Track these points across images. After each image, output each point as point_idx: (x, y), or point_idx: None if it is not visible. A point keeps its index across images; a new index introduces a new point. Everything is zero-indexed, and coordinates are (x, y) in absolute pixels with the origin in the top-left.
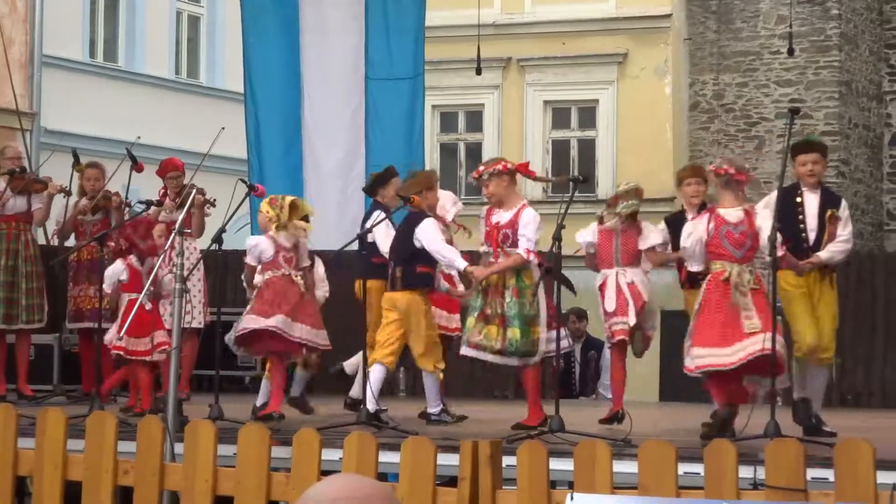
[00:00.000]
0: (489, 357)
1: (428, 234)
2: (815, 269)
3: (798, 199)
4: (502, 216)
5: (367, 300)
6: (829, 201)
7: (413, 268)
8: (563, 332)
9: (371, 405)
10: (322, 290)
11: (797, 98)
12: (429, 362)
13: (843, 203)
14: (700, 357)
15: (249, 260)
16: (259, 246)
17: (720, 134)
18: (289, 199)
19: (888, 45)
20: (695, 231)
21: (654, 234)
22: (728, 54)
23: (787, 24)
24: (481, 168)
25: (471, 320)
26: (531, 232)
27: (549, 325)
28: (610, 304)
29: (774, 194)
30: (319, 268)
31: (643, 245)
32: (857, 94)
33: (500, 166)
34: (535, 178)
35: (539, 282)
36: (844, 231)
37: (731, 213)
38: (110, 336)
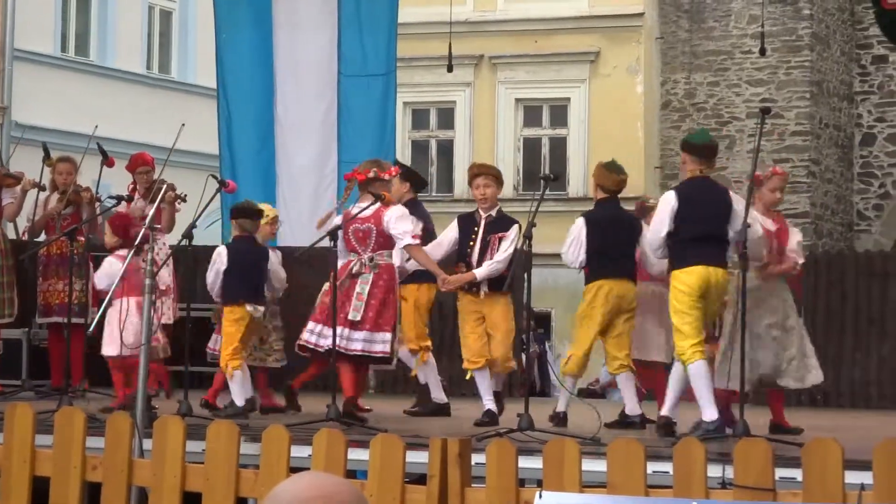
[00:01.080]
0: None
1: None
2: None
3: None
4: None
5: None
6: None
7: None
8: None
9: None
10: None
11: (768, 98)
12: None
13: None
14: None
15: None
16: None
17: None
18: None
19: (859, 46)
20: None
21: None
22: (700, 53)
23: (759, 23)
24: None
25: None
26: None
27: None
28: None
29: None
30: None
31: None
32: (828, 95)
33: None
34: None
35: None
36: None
37: None
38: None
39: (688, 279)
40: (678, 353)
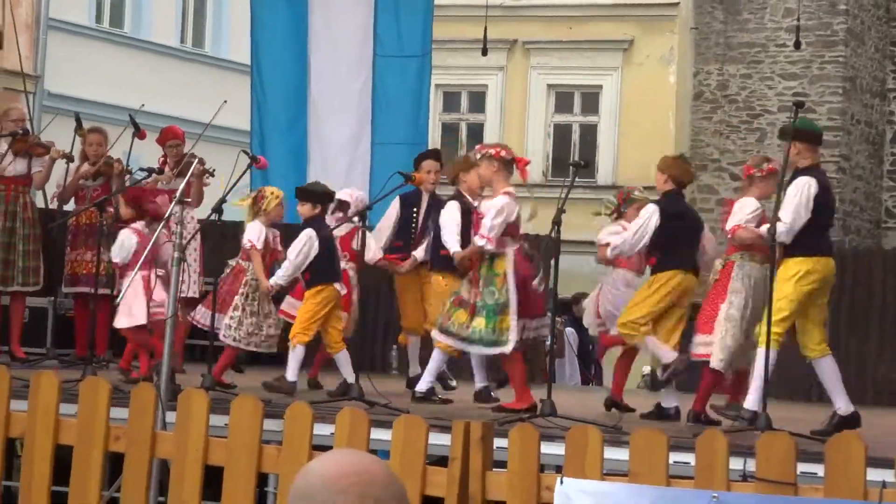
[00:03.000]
0: (453, 343)
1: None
2: None
3: None
4: (483, 204)
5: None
6: None
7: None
8: (537, 321)
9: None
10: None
11: (801, 92)
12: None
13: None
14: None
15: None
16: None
17: (722, 125)
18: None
19: (893, 43)
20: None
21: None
22: (734, 45)
23: (794, 17)
24: (478, 147)
25: (448, 303)
26: (490, 219)
27: (522, 312)
28: None
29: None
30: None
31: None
32: (860, 91)
33: (493, 150)
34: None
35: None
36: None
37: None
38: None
39: (814, 267)
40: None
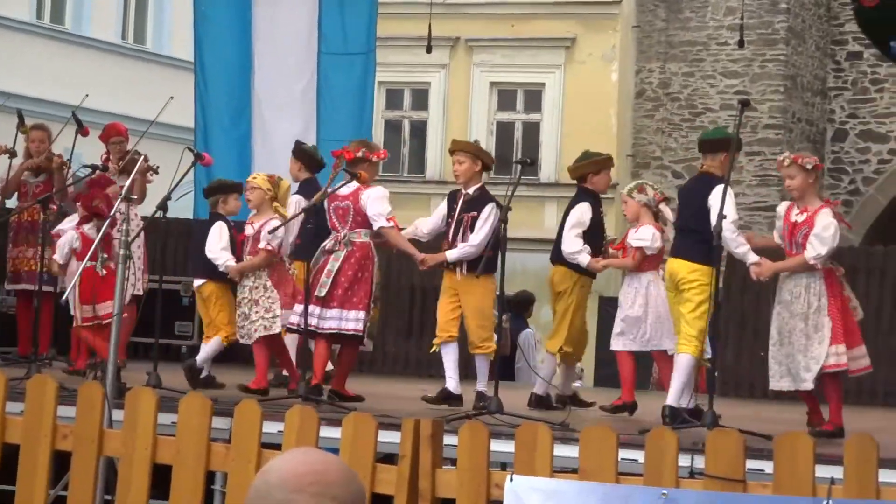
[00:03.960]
0: None
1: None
2: None
3: None
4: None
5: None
6: None
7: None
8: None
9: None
10: None
11: (742, 90)
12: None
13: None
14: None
15: (275, 246)
16: (282, 231)
17: (665, 122)
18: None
19: (834, 42)
20: None
21: None
22: (675, 43)
23: (735, 15)
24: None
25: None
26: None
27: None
28: None
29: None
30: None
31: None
32: (801, 89)
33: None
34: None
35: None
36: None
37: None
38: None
39: None
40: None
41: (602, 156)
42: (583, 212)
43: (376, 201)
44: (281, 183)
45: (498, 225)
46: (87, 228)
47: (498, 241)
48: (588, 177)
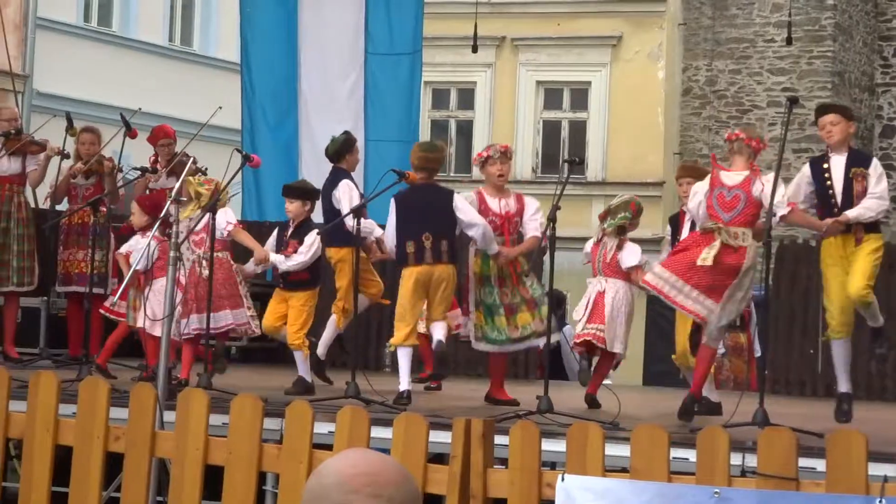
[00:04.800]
0: (510, 347)
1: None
2: (843, 229)
3: (825, 165)
4: (508, 203)
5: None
6: (857, 161)
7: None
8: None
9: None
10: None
11: (790, 87)
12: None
13: (874, 161)
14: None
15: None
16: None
17: (711, 120)
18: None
19: (882, 38)
20: (698, 192)
21: (631, 255)
22: (722, 41)
23: (782, 12)
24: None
25: (479, 314)
26: (540, 216)
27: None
28: (578, 312)
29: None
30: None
31: (623, 265)
32: (849, 86)
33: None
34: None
35: (531, 264)
36: (877, 188)
37: (731, 175)
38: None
39: None
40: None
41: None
42: None
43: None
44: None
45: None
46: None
47: None
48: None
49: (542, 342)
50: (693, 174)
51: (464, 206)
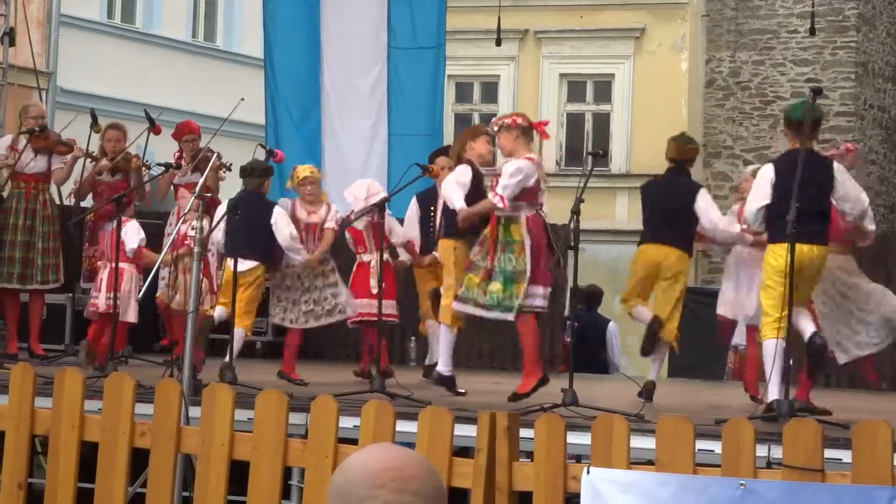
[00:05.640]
0: (471, 309)
1: None
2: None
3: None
4: (503, 166)
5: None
6: None
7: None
8: (544, 290)
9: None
10: None
11: (813, 78)
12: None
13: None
14: None
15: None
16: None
17: (735, 111)
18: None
19: None
20: None
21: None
22: (745, 32)
23: (805, 2)
24: (494, 120)
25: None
26: (506, 178)
27: (538, 281)
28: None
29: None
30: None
31: None
32: (873, 76)
33: (509, 120)
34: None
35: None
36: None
37: None
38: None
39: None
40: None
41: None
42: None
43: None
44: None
45: None
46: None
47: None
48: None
49: (490, 315)
50: None
51: None
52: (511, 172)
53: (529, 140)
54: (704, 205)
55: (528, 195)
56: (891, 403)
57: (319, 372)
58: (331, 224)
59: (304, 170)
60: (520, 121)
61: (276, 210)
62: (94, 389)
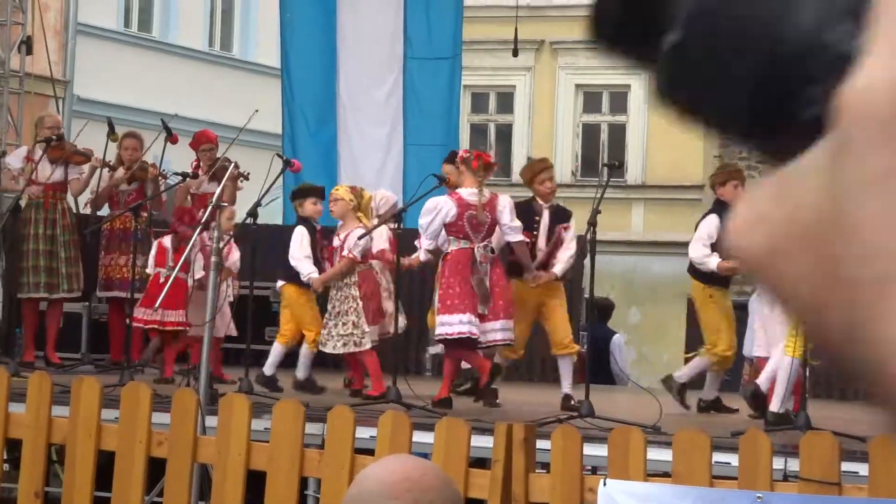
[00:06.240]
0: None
1: None
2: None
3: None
4: None
5: None
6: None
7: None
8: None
9: None
10: None
11: None
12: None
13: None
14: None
15: (357, 254)
16: (367, 240)
17: None
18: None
19: None
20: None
21: None
22: None
23: None
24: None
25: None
26: (420, 217)
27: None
28: None
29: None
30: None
31: None
32: None
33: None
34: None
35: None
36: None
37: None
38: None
39: None
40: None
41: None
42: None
43: (513, 212)
44: (363, 193)
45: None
46: (166, 240)
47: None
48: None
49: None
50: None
51: None
52: (422, 212)
53: (477, 176)
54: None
55: (453, 230)
56: None
57: (335, 381)
58: (346, 253)
59: (335, 189)
60: (465, 155)
61: (297, 228)
62: (110, 398)
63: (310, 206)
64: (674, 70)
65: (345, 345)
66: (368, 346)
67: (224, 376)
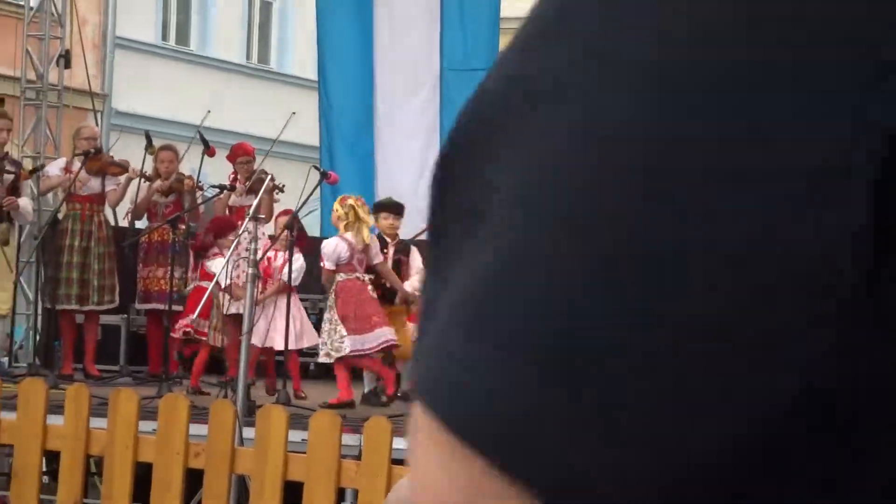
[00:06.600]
0: None
1: None
2: None
3: None
4: None
5: None
6: None
7: None
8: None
9: None
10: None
11: None
12: None
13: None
14: None
15: (328, 265)
16: (337, 249)
17: None
18: (352, 199)
19: None
20: None
21: None
22: None
23: None
24: None
25: None
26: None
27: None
28: None
29: None
30: (416, 259)
31: None
32: None
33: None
34: None
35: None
36: None
37: None
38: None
39: None
40: None
41: None
42: None
43: None
44: (357, 206)
45: None
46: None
47: None
48: None
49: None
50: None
51: None
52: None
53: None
54: None
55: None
56: None
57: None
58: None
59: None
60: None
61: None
62: (148, 410)
63: (381, 221)
64: None
65: (327, 354)
66: (341, 354)
67: (299, 391)
